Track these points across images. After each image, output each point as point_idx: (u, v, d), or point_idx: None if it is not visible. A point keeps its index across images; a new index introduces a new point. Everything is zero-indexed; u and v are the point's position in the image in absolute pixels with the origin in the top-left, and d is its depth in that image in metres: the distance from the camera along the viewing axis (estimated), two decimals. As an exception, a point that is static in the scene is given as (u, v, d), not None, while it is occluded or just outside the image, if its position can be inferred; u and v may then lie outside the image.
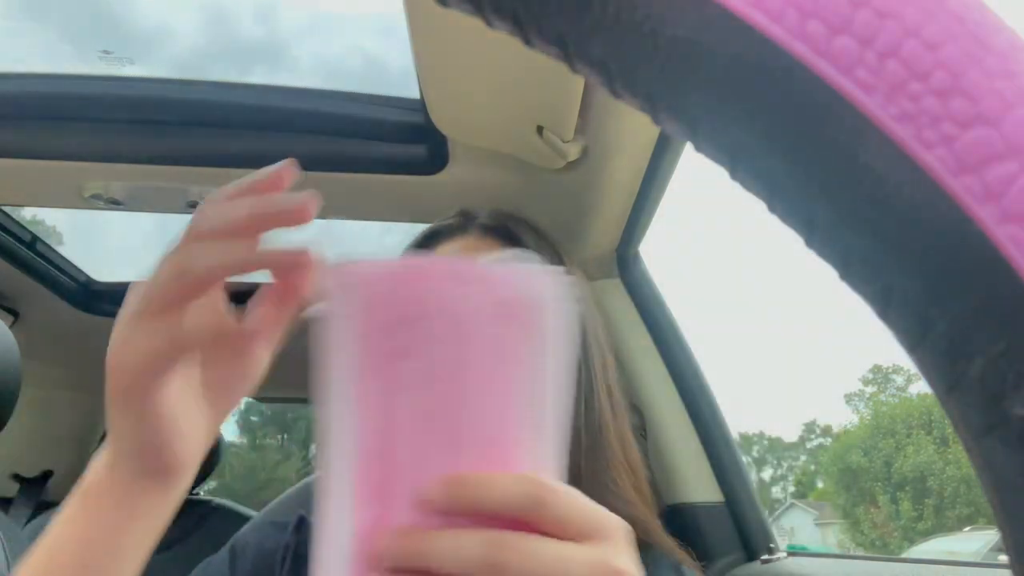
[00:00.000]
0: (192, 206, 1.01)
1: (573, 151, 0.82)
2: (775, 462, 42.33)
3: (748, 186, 0.14)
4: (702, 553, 0.97)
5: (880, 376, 33.91)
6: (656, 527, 0.58)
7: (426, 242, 0.65)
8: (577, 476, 0.54)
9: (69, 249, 1.36)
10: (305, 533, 0.59)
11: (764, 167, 0.14)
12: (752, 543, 0.98)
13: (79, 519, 0.36)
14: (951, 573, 0.73)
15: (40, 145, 0.93)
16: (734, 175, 0.14)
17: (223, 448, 1.79)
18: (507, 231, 0.64)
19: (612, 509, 0.30)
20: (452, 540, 0.25)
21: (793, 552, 0.96)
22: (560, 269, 0.28)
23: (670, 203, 0.97)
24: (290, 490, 1.09)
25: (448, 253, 0.63)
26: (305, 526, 0.60)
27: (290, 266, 0.34)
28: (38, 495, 1.73)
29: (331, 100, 0.93)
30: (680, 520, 1.01)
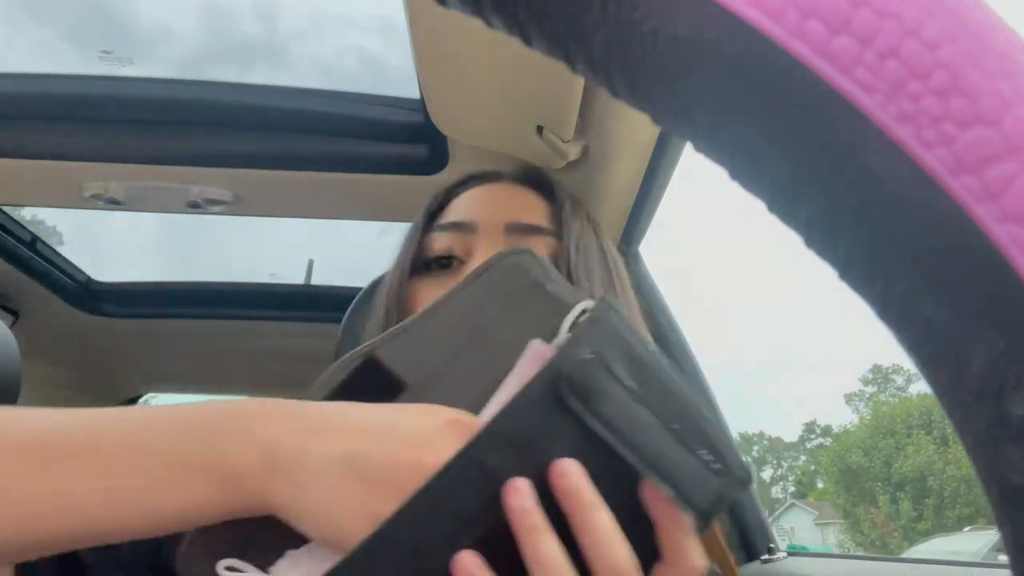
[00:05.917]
0: (192, 206, 1.01)
1: (573, 151, 0.82)
2: (775, 462, 42.33)
3: (748, 186, 0.14)
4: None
5: (880, 376, 33.93)
6: None
7: (457, 186, 0.68)
8: None
9: (69, 249, 1.36)
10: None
11: (764, 167, 0.14)
12: (752, 543, 0.98)
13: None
14: (951, 573, 0.73)
15: (40, 145, 0.92)
16: (734, 175, 0.14)
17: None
18: (539, 180, 0.68)
19: None
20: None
21: (793, 552, 0.96)
22: None
23: (672, 199, 0.97)
24: None
25: (480, 194, 0.66)
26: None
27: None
28: (38, 495, 1.72)
29: (331, 100, 0.93)
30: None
